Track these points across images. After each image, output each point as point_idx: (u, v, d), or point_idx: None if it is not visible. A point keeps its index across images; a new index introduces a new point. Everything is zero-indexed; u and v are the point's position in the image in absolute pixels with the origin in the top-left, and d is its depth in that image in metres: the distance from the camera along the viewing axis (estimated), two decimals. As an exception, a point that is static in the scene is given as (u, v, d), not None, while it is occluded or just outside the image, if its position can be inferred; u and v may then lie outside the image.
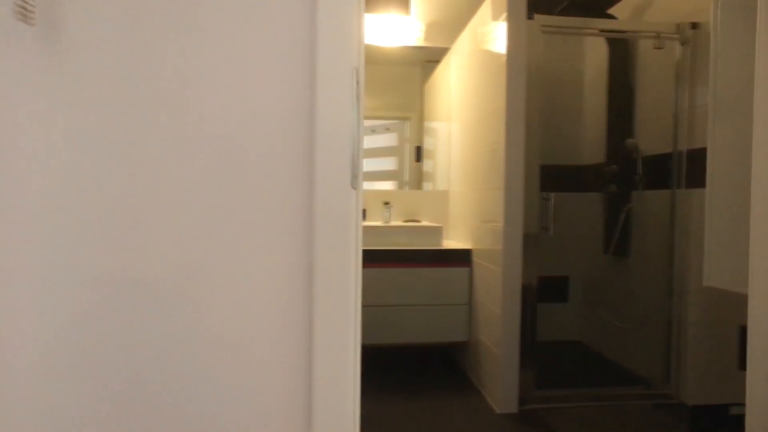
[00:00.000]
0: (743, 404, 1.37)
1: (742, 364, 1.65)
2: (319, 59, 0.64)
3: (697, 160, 1.85)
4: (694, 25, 1.87)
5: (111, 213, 0.67)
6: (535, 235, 1.92)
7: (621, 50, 2.31)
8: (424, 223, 2.52)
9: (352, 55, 0.65)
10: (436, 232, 2.26)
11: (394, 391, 2.03)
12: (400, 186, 2.68)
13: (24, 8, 0.53)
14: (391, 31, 2.57)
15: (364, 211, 2.58)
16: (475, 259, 2.15)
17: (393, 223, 2.50)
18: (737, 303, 1.66)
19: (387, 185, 2.69)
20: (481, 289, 2.07)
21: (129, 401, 0.69)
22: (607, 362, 2.40)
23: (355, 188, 0.69)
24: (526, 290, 1.86)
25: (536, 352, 1.91)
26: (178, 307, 0.68)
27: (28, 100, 0.63)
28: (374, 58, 2.62)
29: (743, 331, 1.64)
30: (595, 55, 2.57)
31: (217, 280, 0.69)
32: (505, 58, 1.78)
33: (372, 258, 2.13)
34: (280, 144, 0.68)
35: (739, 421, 1.37)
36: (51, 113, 0.64)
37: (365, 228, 2.29)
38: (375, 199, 2.59)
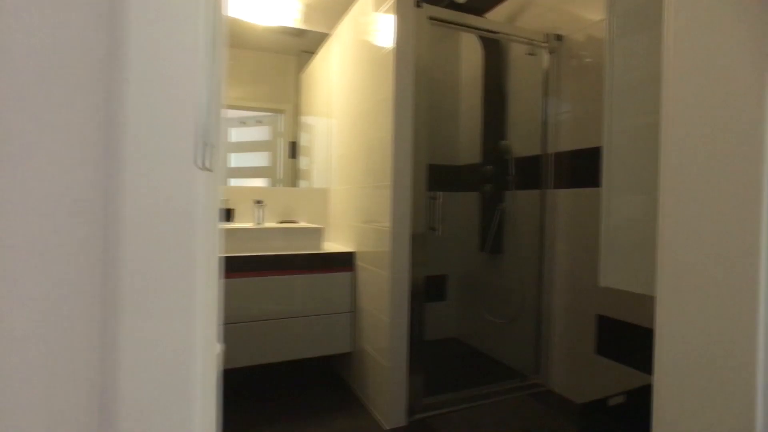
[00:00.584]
0: (617, 394, 1.46)
1: (599, 350, 1.80)
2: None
3: (563, 162, 1.98)
4: (559, 37, 2.00)
5: None
6: (422, 235, 1.84)
7: (495, 53, 2.40)
8: (303, 224, 2.27)
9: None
10: (316, 234, 2.03)
11: (271, 417, 1.74)
12: (274, 184, 2.38)
13: None
14: (266, 7, 2.26)
15: (230, 211, 2.21)
16: (358, 262, 1.98)
17: (266, 224, 2.19)
18: (595, 294, 1.81)
19: (259, 183, 2.36)
20: (365, 295, 1.91)
21: None
22: (485, 358, 2.48)
23: (207, 168, 0.43)
24: (414, 292, 1.76)
25: (424, 356, 1.83)
26: None
27: None
28: (246, 43, 2.28)
29: (599, 320, 1.80)
30: (471, 56, 2.64)
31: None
32: (392, 47, 1.65)
33: (241, 266, 1.80)
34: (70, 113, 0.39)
35: (617, 409, 1.46)
36: None
37: (232, 231, 1.96)
38: (245, 198, 2.24)
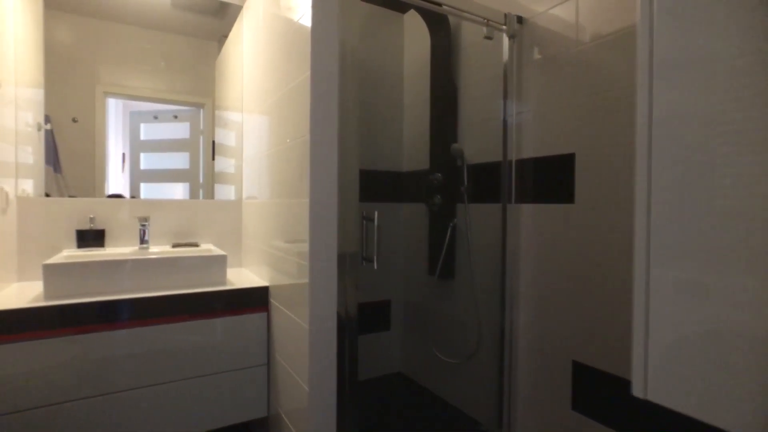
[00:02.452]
0: None
1: (575, 405, 1.46)
2: None
3: (526, 172, 1.64)
4: (520, 19, 1.66)
5: None
6: (351, 256, 1.42)
7: (443, 37, 2.03)
8: (204, 247, 1.76)
9: None
10: (216, 263, 1.53)
11: None
12: (194, 189, 1.88)
13: None
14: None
15: (102, 231, 1.65)
16: (272, 300, 1.51)
17: (153, 248, 1.66)
18: (569, 334, 1.47)
19: (178, 188, 1.85)
20: (281, 343, 1.44)
21: None
22: (435, 399, 2.09)
23: None
24: (342, 324, 1.33)
25: (356, 404, 1.41)
26: None
27: None
28: (158, 23, 1.77)
29: (575, 367, 1.47)
30: (417, 41, 2.26)
31: None
32: (309, 22, 1.21)
33: (104, 314, 1.27)
34: None
35: None
36: None
37: (89, 264, 1.31)
38: (128, 212, 1.69)
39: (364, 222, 1.39)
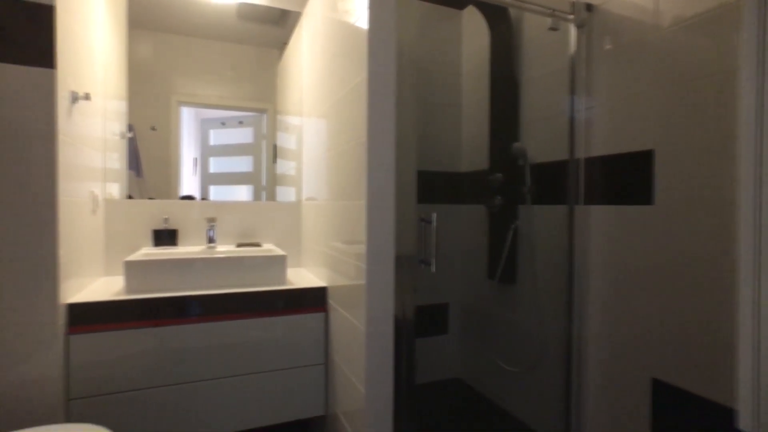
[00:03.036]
0: None
1: (655, 426, 1.32)
2: None
3: (597, 170, 1.52)
4: (589, 7, 1.55)
5: None
6: (407, 258, 1.39)
7: (504, 31, 1.95)
8: (266, 247, 1.82)
9: None
10: (276, 263, 1.58)
11: None
12: (257, 191, 1.98)
13: None
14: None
15: (174, 231, 1.77)
16: (330, 301, 1.53)
17: (219, 249, 1.74)
18: (647, 349, 1.34)
19: (242, 190, 1.95)
20: (338, 344, 1.45)
21: None
22: (495, 408, 2.01)
23: None
24: (400, 327, 1.31)
25: (413, 408, 1.38)
26: None
27: None
28: (224, 35, 1.89)
29: (655, 386, 1.33)
30: (475, 37, 2.19)
31: None
32: (366, 26, 1.21)
33: (176, 309, 1.36)
34: None
35: None
36: None
37: (165, 262, 1.40)
38: (197, 213, 1.80)
39: (422, 224, 1.37)
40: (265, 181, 2.02)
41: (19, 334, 1.17)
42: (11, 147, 1.15)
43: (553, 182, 1.71)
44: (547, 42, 1.74)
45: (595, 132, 1.52)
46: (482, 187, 2.09)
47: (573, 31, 1.57)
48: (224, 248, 1.76)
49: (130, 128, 1.76)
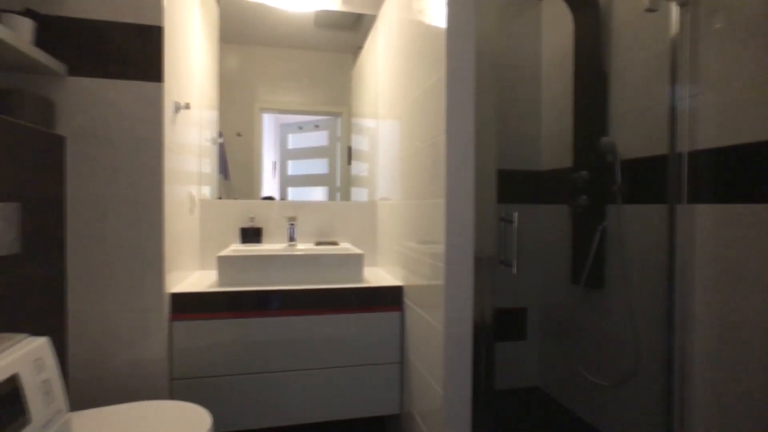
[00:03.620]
0: None
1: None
2: None
3: (704, 165, 1.36)
4: (694, -17, 1.39)
5: None
6: (487, 260, 1.35)
7: (590, 18, 1.81)
8: (343, 246, 1.87)
9: None
10: (354, 261, 1.61)
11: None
12: (332, 192, 2.05)
13: None
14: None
15: (259, 230, 1.88)
16: (406, 300, 1.53)
17: (299, 247, 1.82)
18: (763, 353, 1.16)
19: (317, 191, 2.05)
20: (414, 342, 1.45)
21: None
22: (578, 422, 1.87)
23: None
24: (478, 330, 1.26)
25: (492, 413, 1.33)
26: None
27: None
28: (302, 42, 1.99)
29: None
30: (557, 28, 2.07)
31: None
32: (444, 24, 1.19)
33: (261, 302, 1.44)
34: None
35: None
36: None
37: (252, 258, 1.50)
38: (278, 212, 1.90)
39: (502, 223, 1.31)
40: (340, 182, 2.08)
41: (133, 320, 1.31)
42: (126, 155, 1.30)
43: (648, 179, 1.55)
44: (643, 25, 1.59)
45: (702, 122, 1.36)
46: (565, 185, 1.96)
47: (675, 10, 1.41)
48: (303, 246, 1.84)
49: (220, 134, 1.91)
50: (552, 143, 2.11)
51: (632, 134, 1.64)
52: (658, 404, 1.48)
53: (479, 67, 1.23)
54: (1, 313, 0.92)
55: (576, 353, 1.89)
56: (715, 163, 1.31)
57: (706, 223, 1.34)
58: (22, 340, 0.57)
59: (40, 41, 1.18)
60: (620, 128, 1.70)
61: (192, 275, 1.70)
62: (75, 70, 1.25)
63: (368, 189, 2.05)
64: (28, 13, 1.15)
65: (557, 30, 2.07)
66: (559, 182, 2.04)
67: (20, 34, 1.09)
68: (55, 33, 1.22)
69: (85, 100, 1.26)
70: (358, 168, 2.07)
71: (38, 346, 0.58)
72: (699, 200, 1.36)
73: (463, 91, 1.19)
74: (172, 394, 1.39)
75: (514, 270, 1.28)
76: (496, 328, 1.38)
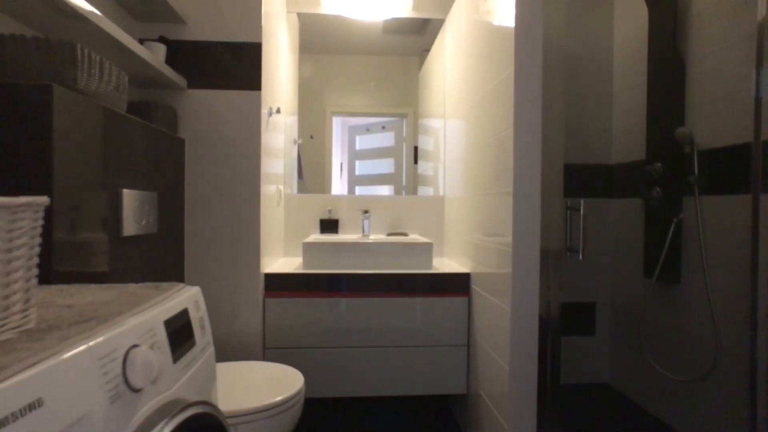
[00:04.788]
0: None
1: None
2: None
3: (791, 151, 1.30)
4: (782, -36, 1.33)
5: None
6: (554, 253, 1.40)
7: (667, 12, 1.77)
8: (412, 237, 1.99)
9: None
10: (425, 250, 1.73)
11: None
12: (398, 191, 2.19)
13: None
14: (376, 0, 2.08)
15: (336, 221, 2.06)
16: (474, 286, 1.62)
17: (372, 236, 1.98)
18: None
19: (384, 190, 2.20)
20: (481, 327, 1.53)
21: None
22: (650, 419, 1.84)
23: None
24: (544, 323, 1.32)
25: (558, 406, 1.38)
26: None
27: None
28: (369, 48, 2.15)
29: None
30: (630, 19, 2.03)
31: None
32: (512, 22, 1.26)
33: (339, 284, 1.61)
34: None
35: None
36: None
37: (332, 245, 1.74)
38: (351, 207, 2.07)
39: (568, 212, 1.36)
40: (405, 181, 2.20)
41: (233, 295, 1.54)
42: (230, 154, 1.52)
43: (729, 169, 1.50)
44: (724, 10, 1.54)
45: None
46: (637, 178, 1.93)
47: (759, -5, 1.36)
48: (375, 236, 1.99)
49: (299, 136, 2.11)
50: (623, 136, 2.08)
51: (712, 123, 1.59)
52: (740, 404, 1.43)
53: (547, 61, 1.29)
54: (147, 278, 1.16)
55: (649, 349, 1.85)
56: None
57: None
58: (184, 287, 0.75)
59: (168, 61, 1.43)
60: (699, 118, 1.65)
61: (277, 261, 1.92)
62: (192, 84, 1.50)
63: (433, 187, 2.15)
64: (161, 39, 1.41)
65: (630, 22, 2.03)
66: (630, 175, 2.01)
67: (157, 56, 1.35)
68: (178, 54, 1.48)
69: (199, 109, 1.51)
70: (424, 167, 2.19)
71: (195, 291, 0.76)
72: (787, 190, 1.31)
73: (531, 88, 1.26)
74: (265, 360, 1.60)
75: (581, 256, 1.32)
76: (563, 321, 1.42)
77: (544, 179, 1.28)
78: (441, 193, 2.12)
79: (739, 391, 1.44)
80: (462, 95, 1.82)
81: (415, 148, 2.21)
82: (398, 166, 2.23)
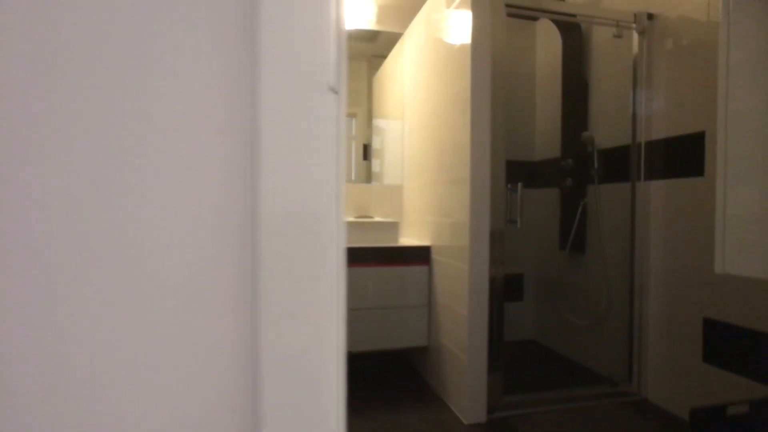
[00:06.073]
0: (737, 403, 1.31)
1: (706, 357, 1.62)
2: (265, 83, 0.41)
3: (656, 152, 1.83)
4: (650, 16, 1.86)
5: None
6: (499, 232, 1.81)
7: (575, 40, 2.29)
8: (378, 218, 2.32)
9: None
10: (392, 228, 2.07)
11: (349, 405, 1.79)
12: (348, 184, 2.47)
13: None
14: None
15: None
16: (435, 256, 1.98)
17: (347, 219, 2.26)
18: (699, 296, 1.64)
19: None
20: (442, 289, 1.90)
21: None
22: (567, 361, 2.34)
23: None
24: (493, 290, 1.72)
25: (502, 355, 1.78)
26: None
27: None
28: None
29: (706, 324, 1.63)
30: (548, 45, 2.54)
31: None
32: (469, 42, 1.64)
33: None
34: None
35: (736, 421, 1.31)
36: None
37: None
38: (323, 194, 2.34)
39: (509, 193, 1.77)
40: (355, 175, 2.49)
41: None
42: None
43: (617, 164, 2.02)
44: (613, 47, 2.06)
45: (655, 119, 1.83)
46: (555, 171, 2.43)
47: (635, 37, 1.89)
48: (347, 219, 2.28)
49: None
50: (543, 138, 2.59)
51: (606, 129, 2.11)
52: (626, 332, 1.95)
53: (492, 76, 1.69)
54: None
55: (565, 305, 2.36)
56: (664, 149, 1.79)
57: (658, 192, 1.82)
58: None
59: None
60: (597, 124, 2.17)
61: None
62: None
63: (388, 180, 2.48)
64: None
65: (548, 44, 2.54)
66: (549, 169, 2.51)
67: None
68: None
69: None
70: (378, 163, 2.51)
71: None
72: (653, 177, 1.84)
73: (482, 101, 1.65)
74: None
75: (519, 225, 1.73)
76: (503, 288, 1.81)
77: (492, 172, 1.68)
78: (405, 181, 2.47)
79: (624, 330, 1.96)
80: (421, 100, 2.18)
81: (366, 146, 2.51)
82: (347, 162, 2.52)
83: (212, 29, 0.44)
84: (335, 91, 0.45)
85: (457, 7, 1.73)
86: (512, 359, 2.41)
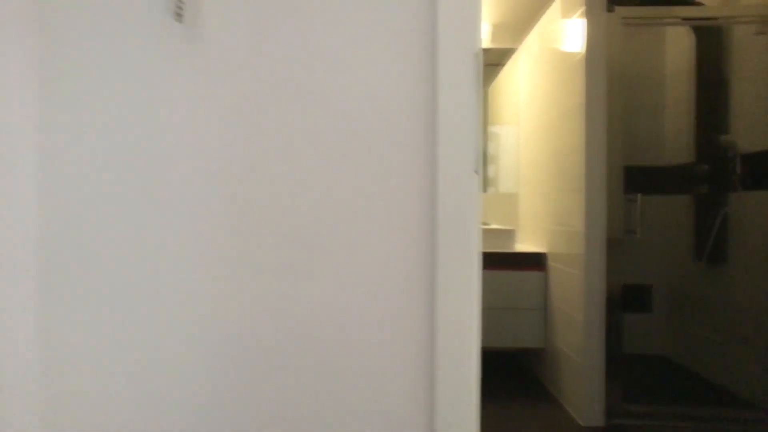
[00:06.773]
0: None
1: None
2: (441, 45, 0.65)
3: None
4: (804, 7, 1.69)
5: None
6: (618, 240, 1.82)
7: (711, 39, 2.14)
8: (495, 225, 2.46)
9: (474, 40, 0.66)
10: (508, 235, 2.20)
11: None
12: None
13: (179, 7, 0.58)
14: (459, 35, 2.57)
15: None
16: (550, 263, 2.06)
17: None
18: None
19: None
20: (558, 296, 1.98)
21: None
22: (701, 380, 2.19)
23: (477, 173, 0.68)
24: (610, 298, 1.75)
25: (622, 364, 1.79)
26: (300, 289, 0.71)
27: (178, 99, 0.69)
28: None
29: None
30: (679, 46, 2.40)
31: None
32: (582, 55, 1.72)
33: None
34: (402, 132, 0.70)
35: None
36: (195, 106, 0.70)
37: None
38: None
39: (628, 203, 1.78)
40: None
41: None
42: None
43: (765, 169, 1.86)
44: (756, 45, 1.90)
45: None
46: (686, 177, 2.29)
47: (785, 31, 1.73)
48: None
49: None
50: (673, 142, 2.44)
51: (750, 132, 1.95)
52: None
53: (609, 83, 1.72)
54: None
55: (701, 320, 2.21)
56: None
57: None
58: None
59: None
60: (739, 127, 2.01)
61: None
62: None
63: (503, 186, 2.60)
64: None
65: (678, 46, 2.41)
66: (679, 175, 2.37)
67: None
68: None
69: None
70: (493, 169, 2.64)
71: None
72: (809, 185, 1.66)
73: (598, 110, 1.71)
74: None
75: (638, 235, 1.74)
76: (623, 298, 1.81)
77: (608, 179, 1.72)
78: (506, 190, 2.57)
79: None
80: (536, 108, 2.27)
81: (483, 153, 2.66)
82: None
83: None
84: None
85: (578, 15, 1.80)
86: (638, 370, 2.34)
